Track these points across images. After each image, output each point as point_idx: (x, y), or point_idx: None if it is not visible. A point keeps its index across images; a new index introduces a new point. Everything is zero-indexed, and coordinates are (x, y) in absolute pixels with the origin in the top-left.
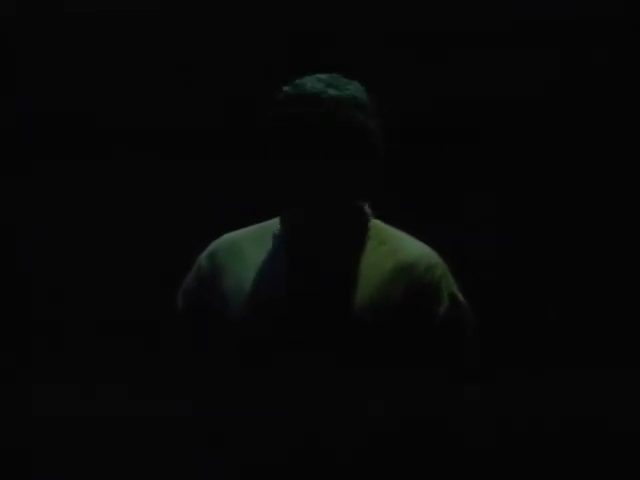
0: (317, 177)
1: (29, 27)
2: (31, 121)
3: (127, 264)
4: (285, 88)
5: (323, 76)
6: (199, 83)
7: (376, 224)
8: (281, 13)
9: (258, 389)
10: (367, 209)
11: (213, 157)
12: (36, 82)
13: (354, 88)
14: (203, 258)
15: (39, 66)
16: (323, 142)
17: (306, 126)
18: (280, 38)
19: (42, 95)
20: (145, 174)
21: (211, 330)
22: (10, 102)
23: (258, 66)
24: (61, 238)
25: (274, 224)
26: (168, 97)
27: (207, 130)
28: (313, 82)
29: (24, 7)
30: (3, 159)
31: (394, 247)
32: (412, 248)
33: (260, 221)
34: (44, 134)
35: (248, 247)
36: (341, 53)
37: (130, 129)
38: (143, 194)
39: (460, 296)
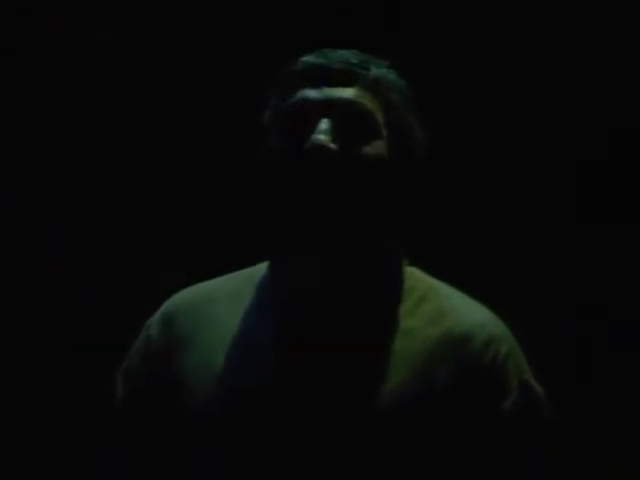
0: (331, 193)
1: None
2: None
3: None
4: (303, 58)
5: (355, 52)
6: None
7: (413, 274)
8: None
9: None
10: (401, 250)
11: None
12: None
13: (399, 76)
14: (154, 325)
15: None
16: (351, 142)
17: (329, 114)
18: None
19: None
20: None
21: (165, 427)
22: None
23: None
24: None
25: (259, 272)
26: None
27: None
28: (345, 53)
29: None
30: None
31: (440, 309)
32: (466, 311)
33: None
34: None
35: (221, 307)
36: None
37: None
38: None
39: (535, 384)
